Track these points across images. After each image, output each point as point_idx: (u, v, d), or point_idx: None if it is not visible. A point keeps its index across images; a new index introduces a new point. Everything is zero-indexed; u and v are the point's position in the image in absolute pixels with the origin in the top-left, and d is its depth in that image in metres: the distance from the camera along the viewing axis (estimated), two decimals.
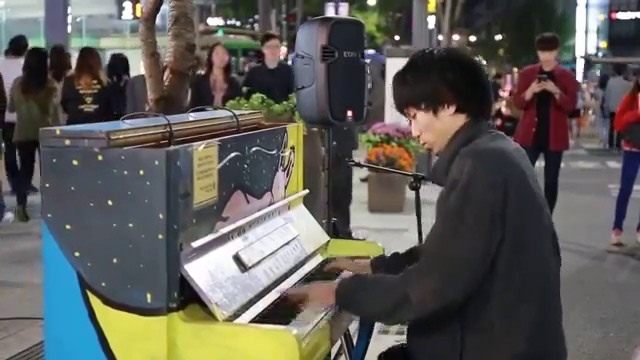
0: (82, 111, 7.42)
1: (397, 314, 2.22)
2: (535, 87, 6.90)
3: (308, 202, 3.07)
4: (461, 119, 2.28)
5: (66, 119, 7.63)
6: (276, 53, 7.62)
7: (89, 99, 7.48)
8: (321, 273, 2.74)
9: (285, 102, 5.48)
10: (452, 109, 2.27)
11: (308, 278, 2.69)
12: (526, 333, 2.17)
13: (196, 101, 6.73)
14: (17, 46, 8.79)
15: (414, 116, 2.32)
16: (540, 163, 7.10)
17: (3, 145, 7.76)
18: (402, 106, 2.34)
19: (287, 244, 2.67)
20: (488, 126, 2.33)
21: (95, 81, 7.57)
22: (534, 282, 2.20)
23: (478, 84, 2.30)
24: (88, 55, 7.81)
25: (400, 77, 2.34)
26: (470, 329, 2.19)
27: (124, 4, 24.56)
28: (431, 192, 4.43)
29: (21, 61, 8.05)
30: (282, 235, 2.68)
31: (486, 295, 2.16)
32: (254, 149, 2.58)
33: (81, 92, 7.50)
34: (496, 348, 2.18)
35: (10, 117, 7.74)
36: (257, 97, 5.49)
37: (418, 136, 2.35)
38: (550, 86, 6.87)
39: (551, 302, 2.26)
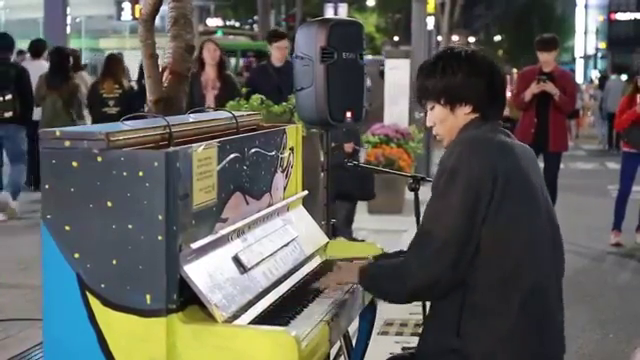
0: (105, 113, 8.12)
1: (392, 291, 2.35)
2: (534, 88, 6.90)
3: (307, 203, 3.07)
4: (473, 117, 2.38)
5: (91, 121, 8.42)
6: (284, 53, 7.32)
7: (111, 102, 8.23)
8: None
9: (284, 103, 5.48)
10: (469, 109, 2.37)
11: (307, 280, 2.69)
12: (515, 316, 2.22)
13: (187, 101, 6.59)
14: (36, 48, 9.51)
15: (432, 108, 2.42)
16: (539, 164, 7.10)
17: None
18: (423, 97, 2.44)
19: (286, 245, 2.67)
20: (497, 124, 2.42)
21: (117, 86, 8.35)
22: (524, 270, 2.25)
23: (498, 90, 2.40)
24: (112, 62, 8.70)
25: (428, 68, 2.42)
26: (467, 318, 2.25)
27: (123, 5, 24.53)
28: (430, 193, 4.42)
29: (41, 63, 8.90)
30: (281, 236, 2.68)
31: (478, 279, 2.23)
32: (253, 150, 2.58)
33: (104, 96, 8.28)
34: (489, 329, 2.23)
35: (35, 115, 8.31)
36: (256, 98, 5.49)
37: (432, 126, 2.45)
38: (549, 87, 6.87)
39: (542, 293, 2.30)
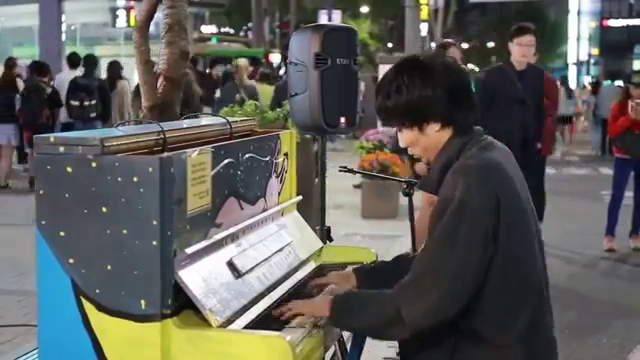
0: None
1: (390, 332, 2.21)
2: None
3: (301, 208, 3.08)
4: (448, 133, 2.25)
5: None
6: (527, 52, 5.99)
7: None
8: (305, 289, 2.68)
9: (278, 109, 5.50)
10: (437, 125, 2.24)
11: (302, 284, 2.70)
12: (521, 348, 2.17)
13: None
14: (72, 61, 11.01)
15: (400, 130, 2.30)
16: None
17: None
18: (386, 119, 2.31)
19: (281, 250, 2.68)
20: (478, 133, 2.30)
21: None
22: (527, 295, 2.19)
23: (463, 96, 2.25)
24: None
25: (384, 88, 2.28)
26: (463, 344, 2.19)
27: (118, 12, 24.54)
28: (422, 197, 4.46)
29: (76, 73, 10.55)
30: (276, 241, 2.69)
31: (480, 310, 2.15)
32: (247, 156, 2.59)
33: None
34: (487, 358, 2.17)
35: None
36: (250, 104, 5.51)
37: (406, 147, 2.33)
38: None
39: (544, 314, 2.25)
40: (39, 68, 10.78)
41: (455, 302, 2.13)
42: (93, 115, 10.10)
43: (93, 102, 10.09)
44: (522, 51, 5.96)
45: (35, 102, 10.19)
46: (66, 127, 10.26)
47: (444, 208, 2.15)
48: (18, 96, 10.47)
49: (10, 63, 11.19)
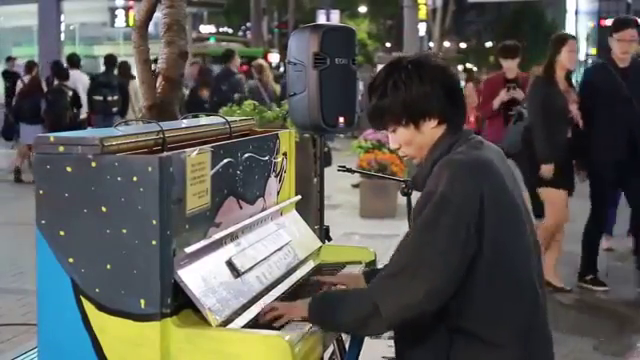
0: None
1: (368, 327, 2.20)
2: (504, 96, 6.83)
3: (300, 208, 3.08)
4: (441, 130, 2.25)
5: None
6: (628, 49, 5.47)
7: (206, 105, 10.64)
8: (309, 285, 2.69)
9: (277, 109, 5.50)
10: (434, 122, 2.24)
11: (300, 284, 2.71)
12: (517, 347, 2.16)
13: (551, 116, 5.46)
14: (72, 61, 11.78)
15: (393, 130, 2.28)
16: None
17: None
18: (379, 120, 2.28)
19: (280, 250, 2.69)
20: (467, 132, 2.30)
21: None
22: (519, 296, 2.18)
23: (456, 93, 2.27)
24: (206, 73, 11.60)
25: (378, 88, 2.26)
26: (458, 344, 2.18)
27: (117, 12, 24.54)
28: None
29: (76, 72, 11.39)
30: (275, 241, 2.69)
31: (474, 309, 2.14)
32: (247, 155, 2.59)
33: (202, 98, 10.98)
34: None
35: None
36: (249, 104, 5.50)
37: (397, 148, 2.31)
38: (519, 94, 6.82)
39: (539, 311, 2.25)
40: (59, 72, 11.39)
41: (434, 296, 2.10)
42: (115, 110, 10.82)
43: (116, 97, 10.87)
44: (624, 47, 5.47)
45: (59, 105, 10.87)
46: (78, 126, 10.74)
47: (426, 201, 2.14)
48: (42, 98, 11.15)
49: (31, 65, 12.12)
